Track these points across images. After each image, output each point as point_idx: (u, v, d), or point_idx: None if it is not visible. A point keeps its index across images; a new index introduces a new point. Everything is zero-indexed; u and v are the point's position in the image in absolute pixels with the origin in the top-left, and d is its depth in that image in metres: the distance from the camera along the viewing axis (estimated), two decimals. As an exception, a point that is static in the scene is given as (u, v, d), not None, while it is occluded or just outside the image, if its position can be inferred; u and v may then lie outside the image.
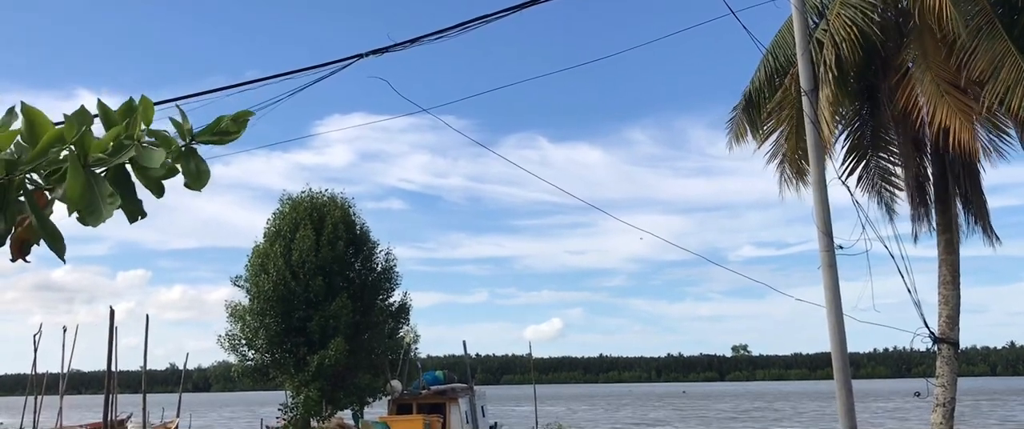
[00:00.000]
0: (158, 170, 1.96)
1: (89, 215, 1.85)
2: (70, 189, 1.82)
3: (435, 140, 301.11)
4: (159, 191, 2.01)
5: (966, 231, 13.65)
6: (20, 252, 1.98)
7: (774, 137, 14.18)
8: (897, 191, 14.02)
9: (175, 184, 2.04)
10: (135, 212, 1.99)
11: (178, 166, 2.03)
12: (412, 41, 10.36)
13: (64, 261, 1.95)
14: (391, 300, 31.34)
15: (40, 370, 38.64)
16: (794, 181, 13.97)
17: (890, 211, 14.01)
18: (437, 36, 10.28)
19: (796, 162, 13.68)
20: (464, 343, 34.06)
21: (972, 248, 13.84)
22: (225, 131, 2.10)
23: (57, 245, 1.92)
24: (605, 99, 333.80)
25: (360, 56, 10.19)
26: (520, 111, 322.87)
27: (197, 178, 2.04)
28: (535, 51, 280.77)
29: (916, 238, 13.86)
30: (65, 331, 37.52)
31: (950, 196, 13.24)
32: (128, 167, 1.96)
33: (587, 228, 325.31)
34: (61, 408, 38.12)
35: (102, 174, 1.91)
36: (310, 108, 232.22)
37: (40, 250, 2.01)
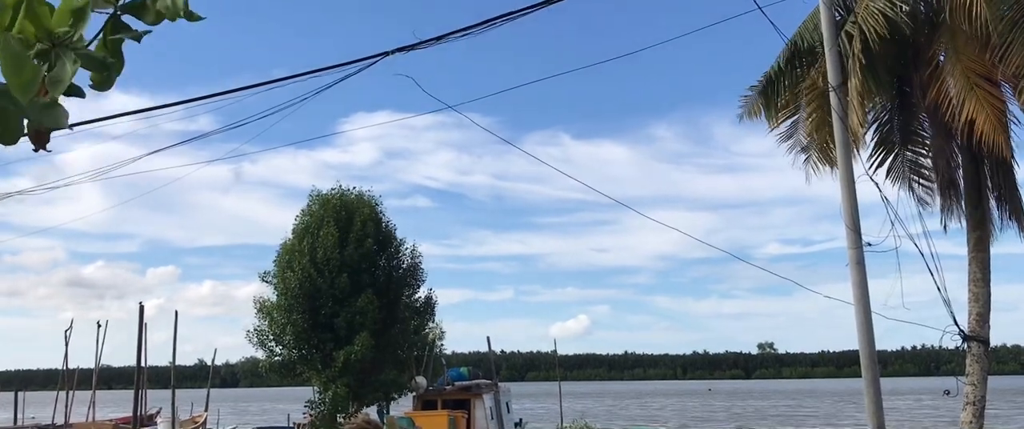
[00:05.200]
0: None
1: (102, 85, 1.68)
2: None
3: (460, 137, 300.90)
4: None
5: (999, 228, 13.47)
6: (40, 142, 1.76)
7: (799, 127, 14.05)
8: (928, 183, 13.84)
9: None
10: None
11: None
12: (438, 38, 10.38)
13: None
14: (416, 296, 31.50)
15: (71, 365, 39.24)
16: (820, 168, 13.84)
17: (921, 203, 13.83)
18: (462, 33, 10.30)
19: (825, 152, 13.53)
20: (488, 340, 34.12)
21: (1003, 245, 13.67)
22: None
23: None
24: (629, 96, 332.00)
25: (386, 54, 10.23)
26: (543, 108, 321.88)
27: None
28: (559, 48, 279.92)
29: (946, 229, 13.69)
30: (98, 327, 38.03)
31: (983, 192, 13.06)
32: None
33: (611, 226, 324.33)
34: (92, 402, 38.65)
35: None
36: (335, 106, 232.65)
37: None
